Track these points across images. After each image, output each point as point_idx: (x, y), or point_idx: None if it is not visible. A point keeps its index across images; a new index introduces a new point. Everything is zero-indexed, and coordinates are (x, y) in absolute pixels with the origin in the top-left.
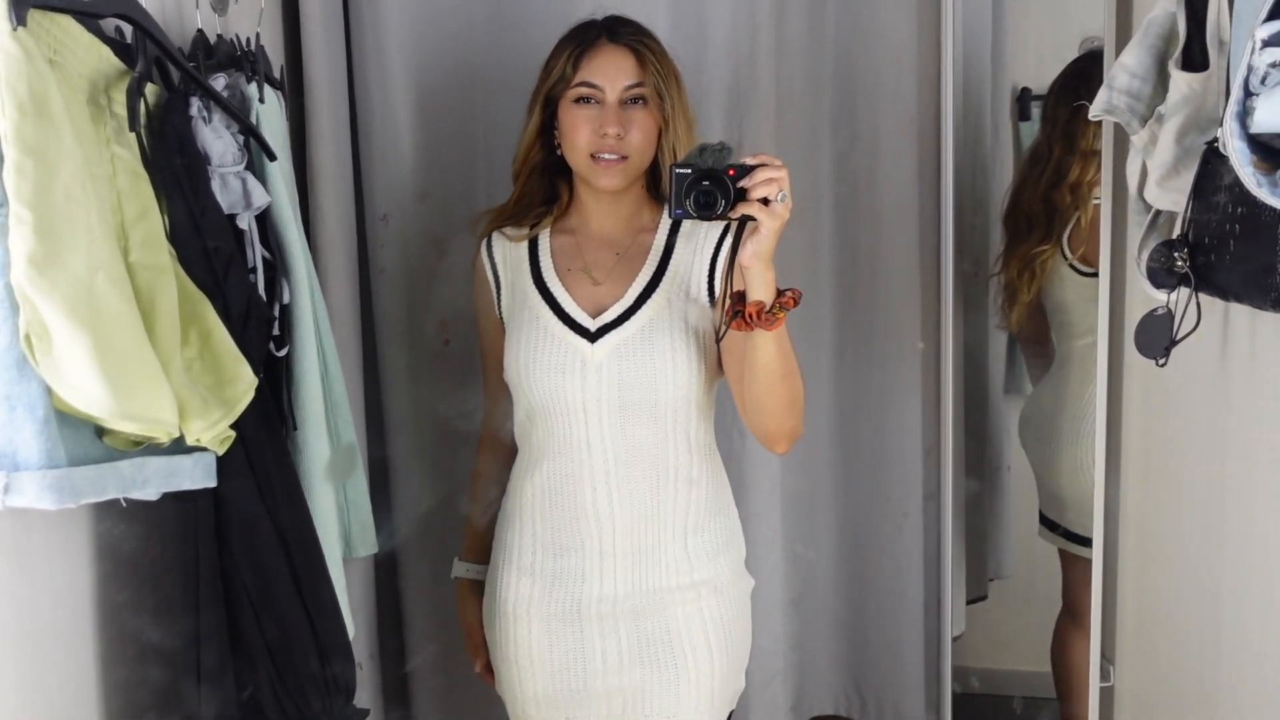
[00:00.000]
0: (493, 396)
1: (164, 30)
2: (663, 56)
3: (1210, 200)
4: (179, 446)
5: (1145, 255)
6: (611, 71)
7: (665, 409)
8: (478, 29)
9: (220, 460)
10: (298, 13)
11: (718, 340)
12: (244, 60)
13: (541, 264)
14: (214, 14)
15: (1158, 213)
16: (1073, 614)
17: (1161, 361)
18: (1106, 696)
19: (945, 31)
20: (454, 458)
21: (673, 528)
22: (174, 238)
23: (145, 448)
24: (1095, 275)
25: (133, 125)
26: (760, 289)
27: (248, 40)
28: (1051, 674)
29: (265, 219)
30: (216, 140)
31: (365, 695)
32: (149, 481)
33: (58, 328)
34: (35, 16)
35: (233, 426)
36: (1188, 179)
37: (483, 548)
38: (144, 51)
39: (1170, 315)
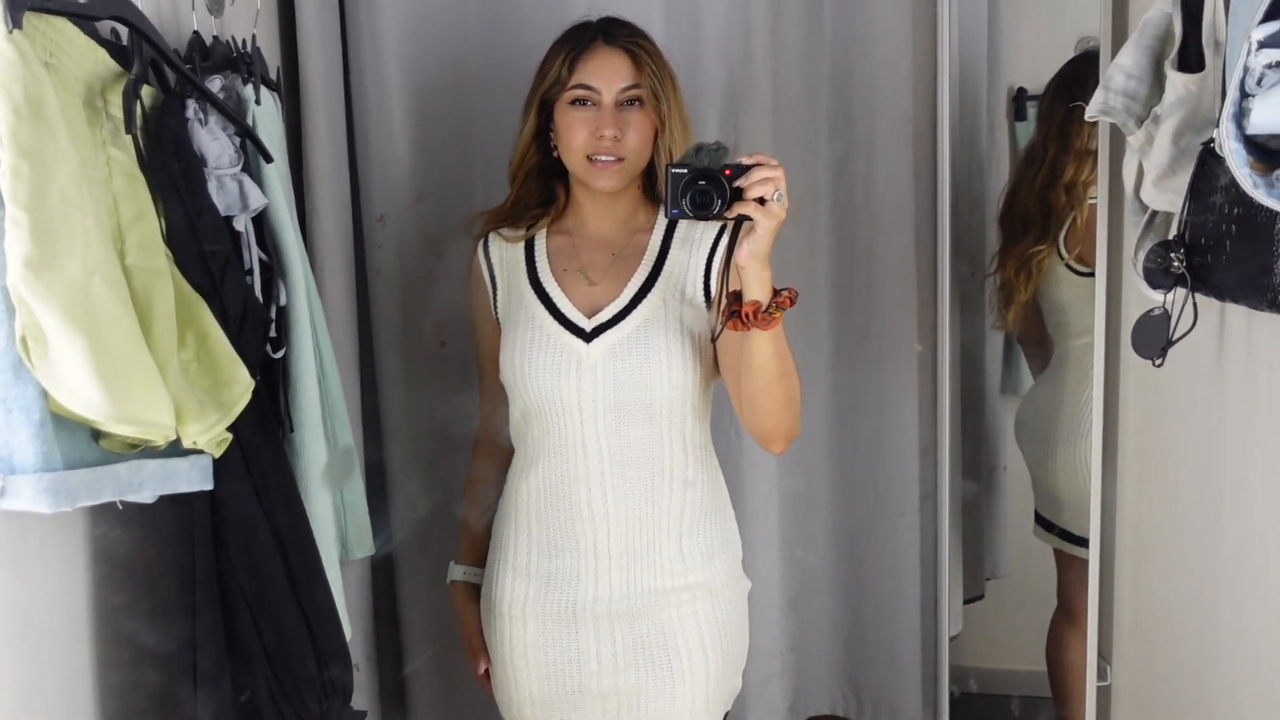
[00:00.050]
0: (488, 398)
1: (160, 32)
2: (658, 57)
3: (1206, 201)
4: (175, 449)
5: (1142, 256)
6: (607, 73)
7: (660, 409)
8: (473, 30)
9: (217, 463)
10: (293, 14)
11: (714, 340)
12: (240, 62)
13: (538, 264)
14: (210, 15)
15: (1154, 213)
16: (1068, 613)
17: (1158, 362)
18: (1103, 696)
19: (941, 32)
20: (451, 459)
21: (668, 529)
22: (170, 240)
23: (141, 450)
24: (1091, 275)
25: (129, 128)
26: (757, 288)
27: (244, 42)
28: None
29: (262, 221)
30: (213, 142)
31: (362, 698)
32: (145, 484)
33: (54, 331)
34: (31, 19)
35: (229, 429)
36: (1184, 179)
37: (479, 550)
38: (140, 53)
39: (1167, 316)
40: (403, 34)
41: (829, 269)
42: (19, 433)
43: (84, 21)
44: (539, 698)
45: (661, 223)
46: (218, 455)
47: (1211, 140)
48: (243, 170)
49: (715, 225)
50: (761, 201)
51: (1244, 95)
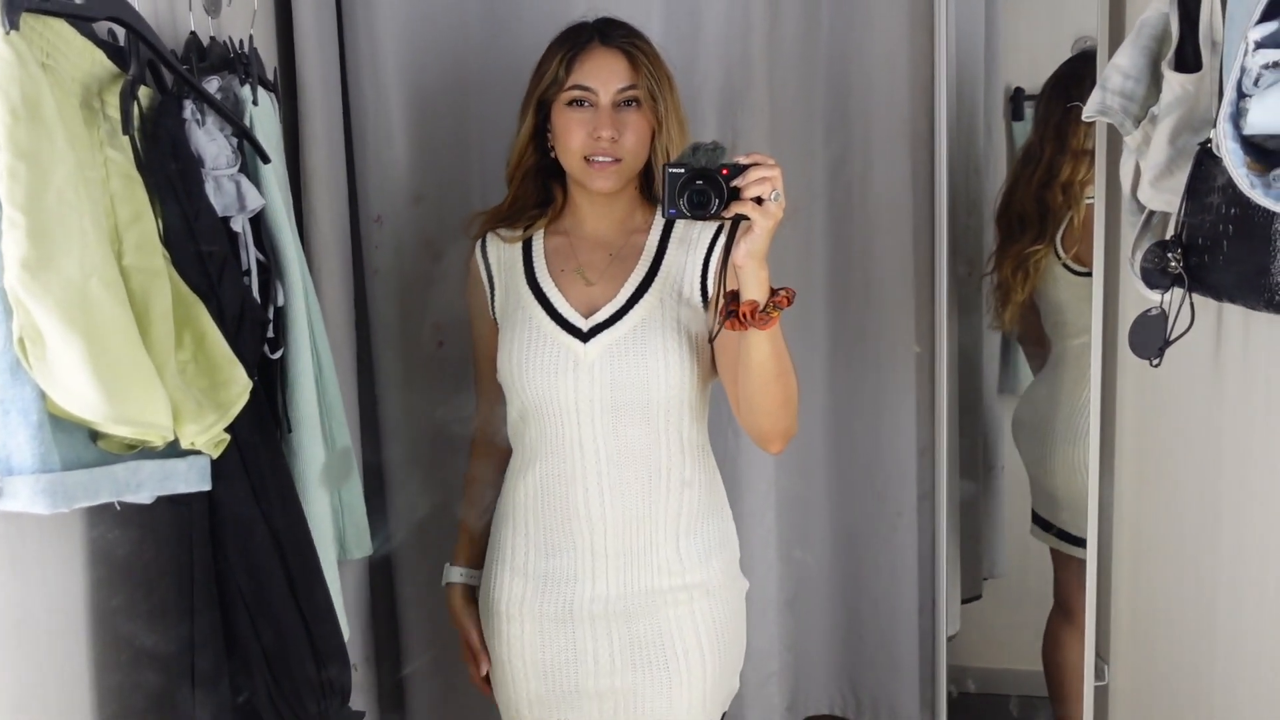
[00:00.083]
0: (485, 398)
1: (157, 33)
2: (655, 58)
3: (1204, 201)
4: (173, 450)
5: (1139, 256)
6: (604, 74)
7: (658, 409)
8: (471, 30)
9: (215, 463)
10: (291, 14)
11: (711, 340)
12: (237, 62)
13: (535, 265)
14: (207, 16)
15: (1151, 213)
16: (1065, 612)
17: (1155, 362)
18: (1101, 695)
19: (938, 32)
20: (449, 459)
21: (665, 529)
22: (168, 241)
23: (139, 451)
24: (1088, 275)
25: (126, 128)
26: (754, 288)
27: (241, 42)
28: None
29: (259, 221)
30: (210, 143)
31: (361, 699)
32: (143, 485)
33: (51, 332)
34: (28, 20)
35: (227, 429)
36: (1181, 179)
37: (476, 552)
38: (137, 54)
39: (1164, 316)
40: (400, 34)
41: (826, 269)
42: (17, 434)
43: (81, 22)
44: (536, 697)
45: (659, 223)
46: (215, 456)
47: (1209, 140)
48: (240, 171)
49: (713, 225)
50: (759, 201)
51: (1241, 95)
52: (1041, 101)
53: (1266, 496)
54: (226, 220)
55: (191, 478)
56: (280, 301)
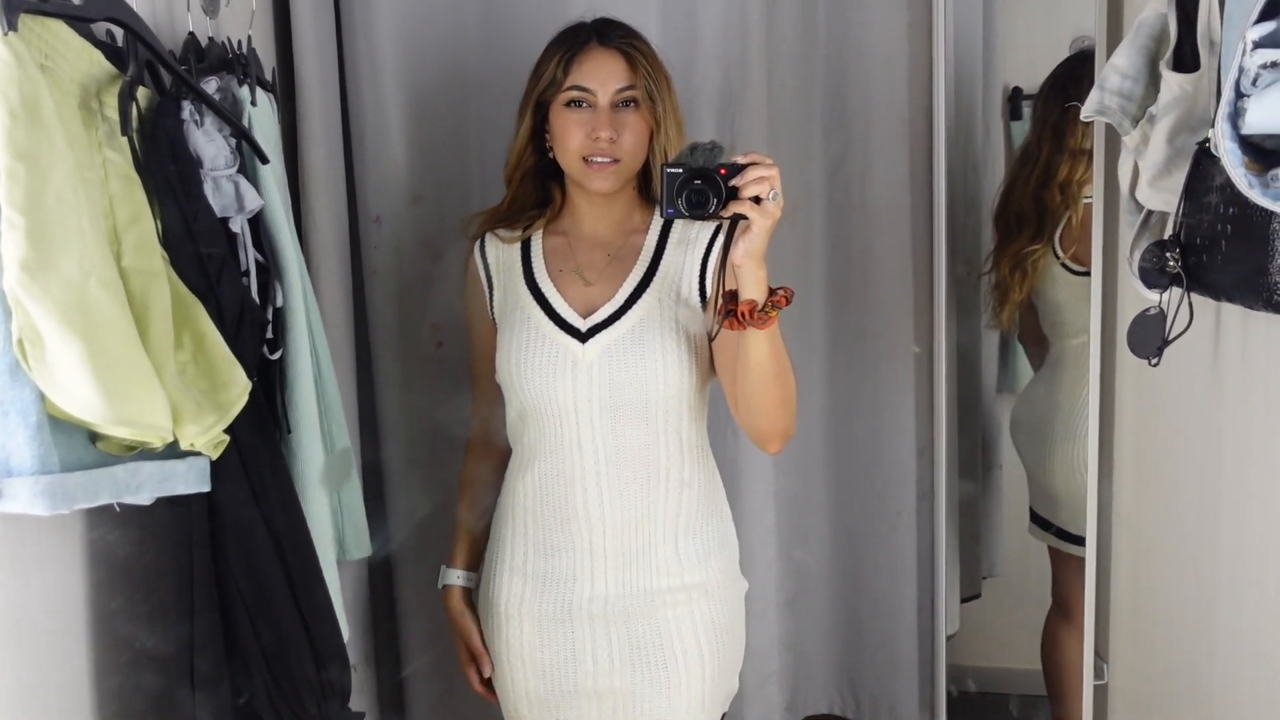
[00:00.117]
0: (484, 398)
1: (155, 33)
2: (653, 59)
3: (1202, 201)
4: (173, 451)
5: (1137, 255)
6: (602, 74)
7: (656, 409)
8: (469, 31)
9: (214, 465)
10: (289, 15)
11: (710, 339)
12: (235, 63)
13: (534, 265)
14: (205, 17)
15: (1150, 213)
16: (1063, 611)
17: (1154, 361)
18: (1100, 694)
19: (936, 31)
20: (448, 460)
21: (664, 530)
22: (167, 242)
23: (139, 453)
24: (1087, 274)
25: (125, 129)
26: (752, 288)
27: (239, 43)
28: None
29: (258, 222)
30: (209, 143)
31: (360, 699)
32: (143, 486)
33: (50, 333)
34: (26, 21)
35: (227, 431)
36: (1179, 179)
37: (473, 553)
38: (135, 55)
39: (1163, 315)
40: (399, 34)
41: (825, 269)
42: (16, 435)
43: (79, 23)
44: (535, 697)
45: (657, 223)
46: (215, 457)
47: (1207, 140)
48: (238, 172)
49: (711, 225)
50: (757, 200)
51: (1239, 95)
52: (1039, 101)
53: (1265, 495)
54: (225, 221)
55: (191, 479)
56: (279, 302)
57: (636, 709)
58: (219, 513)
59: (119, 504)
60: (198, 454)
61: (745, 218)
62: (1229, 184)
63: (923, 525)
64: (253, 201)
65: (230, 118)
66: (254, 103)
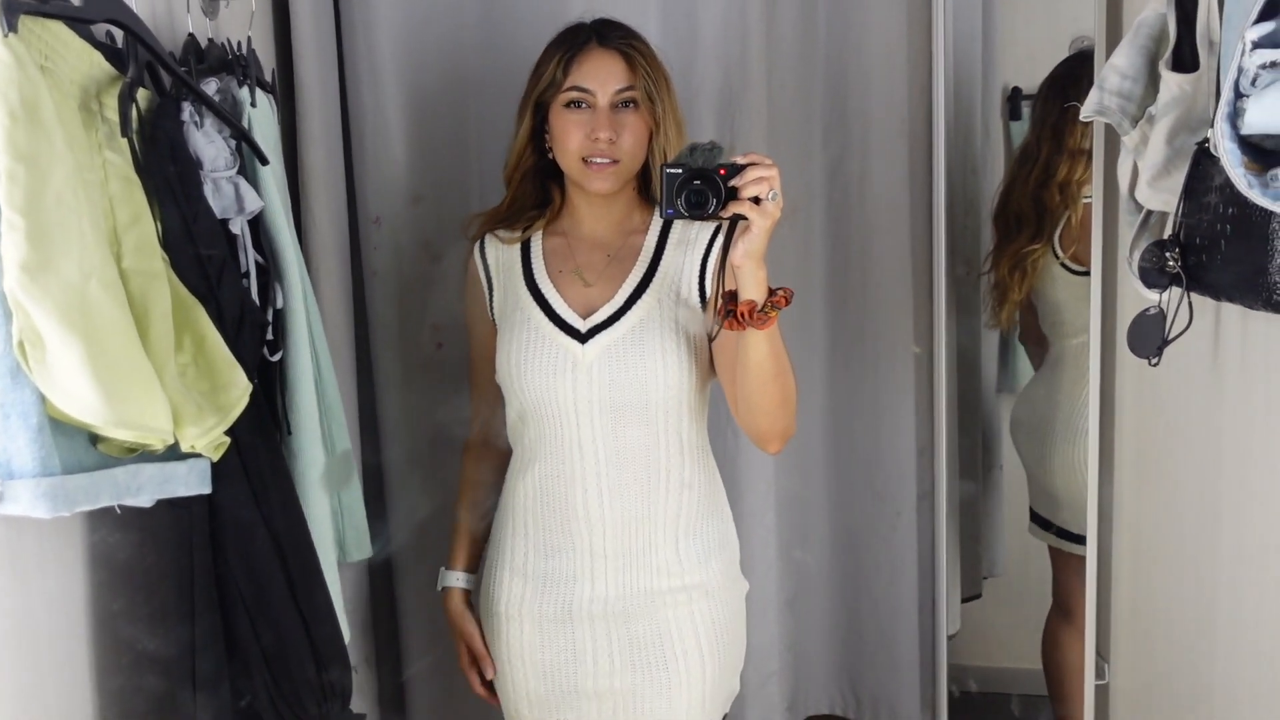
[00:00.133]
0: (484, 399)
1: (155, 35)
2: (652, 59)
3: (1201, 201)
4: (173, 453)
5: (1137, 255)
6: (602, 75)
7: (656, 410)
8: (469, 31)
9: (215, 466)
10: (288, 16)
11: (710, 340)
12: (235, 64)
13: (534, 266)
14: (205, 18)
15: (1149, 213)
16: (1064, 611)
17: (1154, 361)
18: (1101, 694)
19: (936, 32)
20: (448, 461)
21: (664, 530)
22: (167, 243)
23: (139, 454)
24: (1086, 274)
25: (125, 131)
26: (752, 288)
27: (239, 44)
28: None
29: (258, 223)
30: (208, 145)
31: (361, 700)
32: (143, 489)
33: (51, 335)
34: (26, 22)
35: (227, 432)
36: (1179, 179)
37: (472, 555)
38: (135, 56)
39: (1162, 315)
40: (398, 35)
41: (824, 269)
42: (17, 438)
43: (79, 24)
44: (536, 697)
45: (657, 224)
46: (216, 459)
47: (1206, 140)
48: (238, 173)
49: (710, 226)
50: (756, 201)
51: (1238, 95)
52: (1039, 101)
53: (1266, 494)
54: (225, 222)
55: (191, 481)
56: (279, 304)
57: (637, 709)
58: (220, 514)
59: (120, 506)
60: (198, 456)
61: (745, 218)
62: (1228, 184)
63: (923, 525)
64: (253, 203)
65: (230, 119)
66: (254, 104)
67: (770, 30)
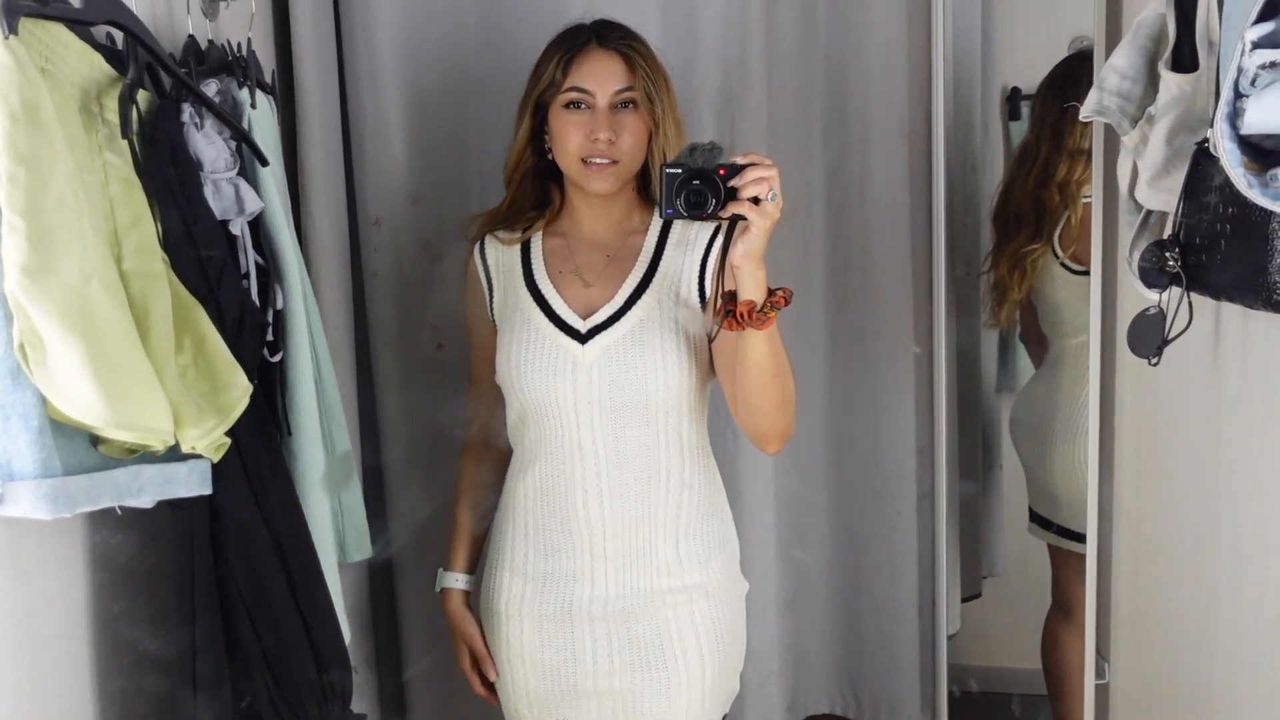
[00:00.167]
0: (484, 400)
1: (155, 36)
2: (652, 60)
3: (1201, 201)
4: (174, 454)
5: (1137, 255)
6: (601, 76)
7: (657, 410)
8: (469, 32)
9: (215, 467)
10: (288, 17)
11: (709, 340)
12: (235, 65)
13: (533, 267)
14: (205, 19)
15: (1149, 213)
16: (1064, 610)
17: (1154, 361)
18: (1102, 693)
19: (936, 32)
20: (448, 461)
21: (664, 530)
22: (167, 245)
23: (140, 456)
24: (1086, 274)
25: (125, 132)
26: (751, 288)
27: (239, 45)
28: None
29: (258, 224)
30: (209, 146)
31: (361, 701)
32: (144, 490)
33: (51, 336)
34: (27, 24)
35: (227, 433)
36: (1178, 179)
37: (471, 556)
38: (135, 58)
39: (1162, 315)
40: (398, 36)
41: (824, 269)
42: (18, 439)
43: (79, 26)
44: (536, 697)
45: (656, 224)
46: (216, 460)
47: (1206, 140)
48: (238, 174)
49: (710, 226)
50: (756, 201)
51: (1238, 95)
52: (1038, 101)
53: (1266, 494)
54: (225, 224)
55: (192, 482)
56: (279, 305)
57: (636, 709)
58: (220, 515)
59: (120, 507)
60: (199, 457)
61: (744, 218)
62: (1228, 184)
63: (923, 525)
64: (253, 204)
65: (230, 120)
66: (254, 105)
67: (770, 30)
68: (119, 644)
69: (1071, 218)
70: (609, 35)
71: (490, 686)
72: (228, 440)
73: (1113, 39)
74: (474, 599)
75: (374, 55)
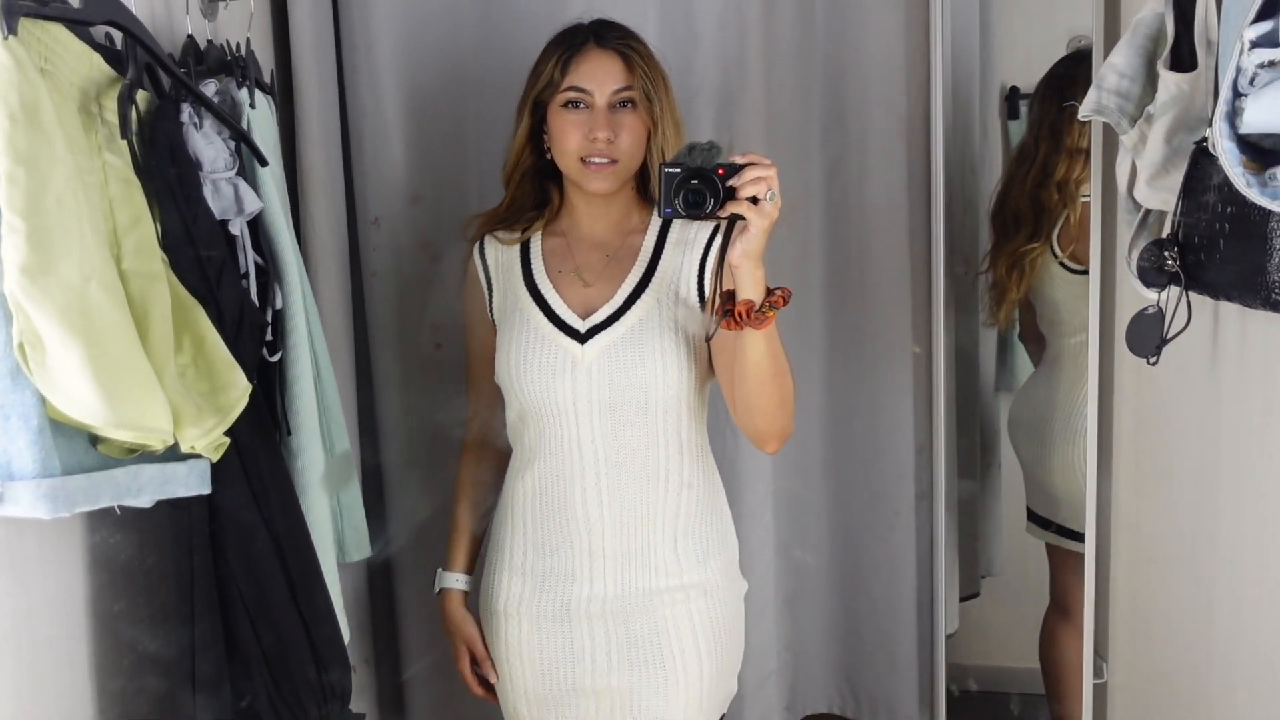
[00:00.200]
0: (480, 400)
1: (154, 36)
2: (650, 59)
3: (1200, 200)
4: (173, 454)
5: (1136, 254)
6: (600, 75)
7: (656, 409)
8: (467, 32)
9: (214, 467)
10: (287, 17)
11: (708, 339)
12: (234, 65)
13: (533, 266)
14: (204, 19)
15: (1148, 212)
16: (1062, 610)
17: (1153, 360)
18: (1100, 692)
19: (934, 31)
20: (447, 461)
21: (663, 530)
22: (166, 245)
23: (139, 455)
24: (1085, 273)
25: (124, 133)
26: (750, 288)
27: (238, 45)
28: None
29: (257, 224)
30: (208, 146)
31: (360, 700)
32: (143, 489)
33: (51, 336)
34: (26, 25)
35: (227, 433)
36: (1177, 178)
37: (470, 556)
38: (134, 58)
39: (1161, 314)
40: (397, 36)
41: (823, 268)
42: (17, 439)
43: (78, 27)
44: (534, 696)
45: (655, 224)
46: (215, 459)
47: (1204, 139)
48: (238, 174)
49: (709, 226)
50: (754, 201)
51: (1237, 94)
52: (1036, 100)
53: (1264, 492)
54: (224, 224)
55: (191, 481)
56: (279, 304)
57: (634, 708)
58: (219, 515)
59: (120, 507)
60: (198, 456)
61: (743, 218)
62: (1227, 183)
63: (921, 524)
64: (252, 204)
65: (229, 120)
66: (253, 105)
67: (768, 30)
68: (118, 644)
69: (1070, 217)
70: (607, 35)
71: (488, 686)
72: (227, 440)
73: (1111, 38)
74: (473, 599)
75: (373, 55)
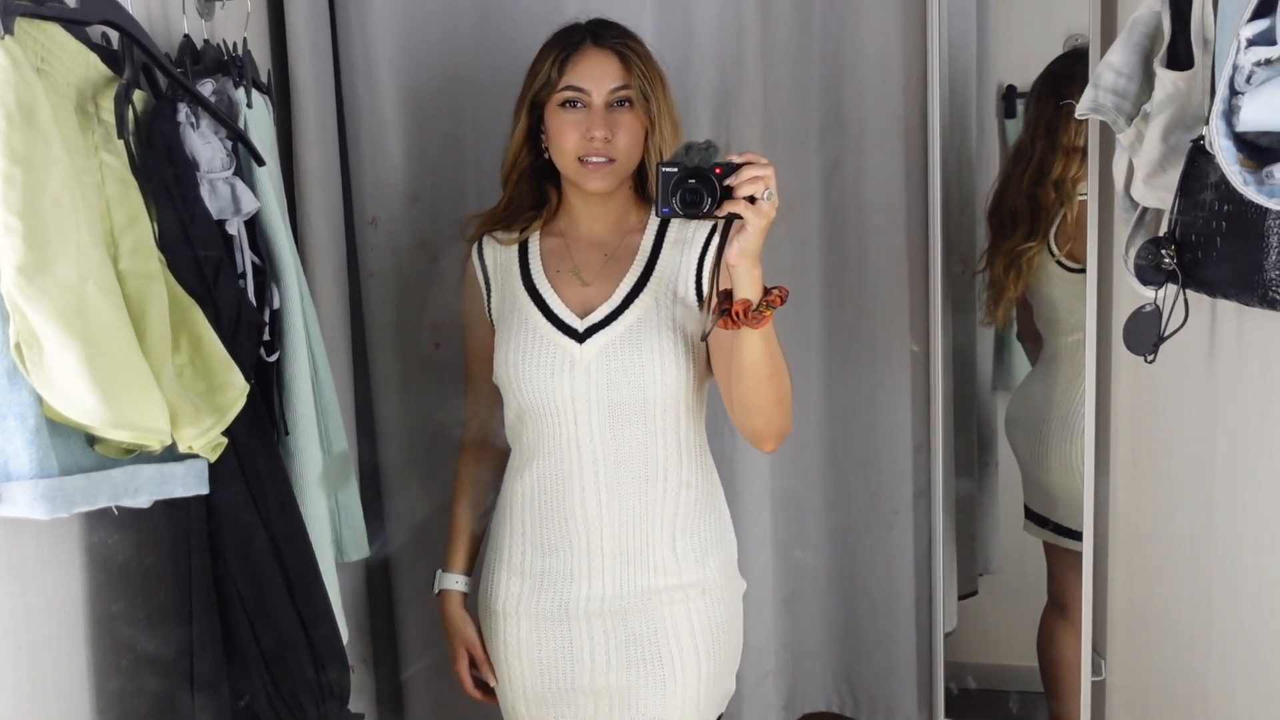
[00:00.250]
0: (479, 400)
1: (150, 36)
2: (647, 58)
3: (1197, 198)
4: (171, 454)
5: (1133, 252)
6: (597, 75)
7: (654, 409)
8: (465, 31)
9: (212, 467)
10: (284, 17)
11: (704, 338)
12: (231, 65)
13: (531, 266)
14: (200, 19)
15: (1145, 210)
16: (1059, 608)
17: (1150, 358)
18: (1098, 690)
19: (931, 30)
20: (445, 461)
21: (661, 529)
22: (163, 244)
23: (137, 456)
24: (1082, 272)
25: (121, 132)
26: (747, 287)
27: (234, 45)
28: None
29: (254, 224)
30: (205, 146)
31: (359, 700)
32: (141, 489)
33: (48, 336)
34: (22, 24)
35: (224, 433)
36: (1174, 176)
37: (469, 557)
38: (131, 58)
39: (1158, 312)
40: (394, 36)
41: (820, 268)
42: (14, 439)
43: (75, 26)
44: (533, 695)
45: (653, 223)
46: (213, 459)
47: (1201, 137)
48: (235, 174)
49: (707, 225)
50: (752, 200)
51: (1233, 93)
52: (1033, 99)
53: (1261, 490)
54: (221, 223)
55: (189, 481)
56: (276, 304)
57: (632, 707)
58: (217, 515)
59: (117, 507)
60: (196, 456)
61: (740, 217)
62: (1224, 181)
63: (919, 523)
64: (249, 204)
65: (226, 120)
66: (250, 105)
67: (765, 29)
68: (116, 644)
69: (1067, 215)
70: (604, 34)
71: (485, 689)
72: (224, 440)
73: (1108, 36)
74: (471, 599)
75: (370, 54)
